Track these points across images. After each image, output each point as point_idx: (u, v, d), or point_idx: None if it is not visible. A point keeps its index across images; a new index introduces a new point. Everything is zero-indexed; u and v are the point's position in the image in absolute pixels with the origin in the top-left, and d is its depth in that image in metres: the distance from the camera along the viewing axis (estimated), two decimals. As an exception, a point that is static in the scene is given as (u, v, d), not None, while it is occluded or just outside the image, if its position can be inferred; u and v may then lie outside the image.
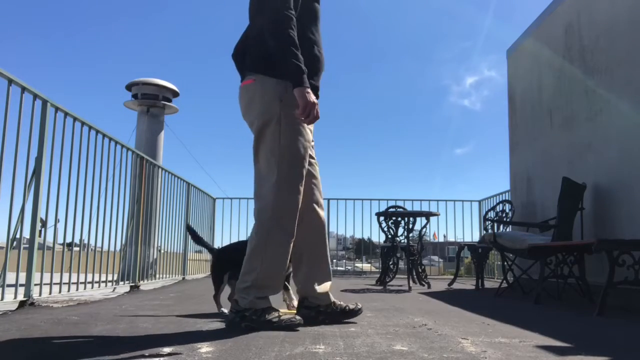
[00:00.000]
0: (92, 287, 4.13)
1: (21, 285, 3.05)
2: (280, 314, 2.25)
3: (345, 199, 8.57)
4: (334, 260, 8.97)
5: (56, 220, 3.53)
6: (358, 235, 9.63)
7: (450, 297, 4.46)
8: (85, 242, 4.24)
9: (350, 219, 10.18)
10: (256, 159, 2.31)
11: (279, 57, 2.19)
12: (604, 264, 3.12)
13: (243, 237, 8.56)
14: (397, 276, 5.99)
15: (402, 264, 6.28)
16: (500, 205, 5.82)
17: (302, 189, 2.30)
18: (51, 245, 3.67)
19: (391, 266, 5.87)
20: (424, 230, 5.90)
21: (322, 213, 2.49)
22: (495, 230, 4.75)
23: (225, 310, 2.69)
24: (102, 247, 4.26)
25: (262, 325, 2.17)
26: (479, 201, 8.55)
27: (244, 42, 2.44)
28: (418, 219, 5.70)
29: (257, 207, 2.27)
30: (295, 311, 2.63)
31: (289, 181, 2.26)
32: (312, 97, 2.18)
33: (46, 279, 3.38)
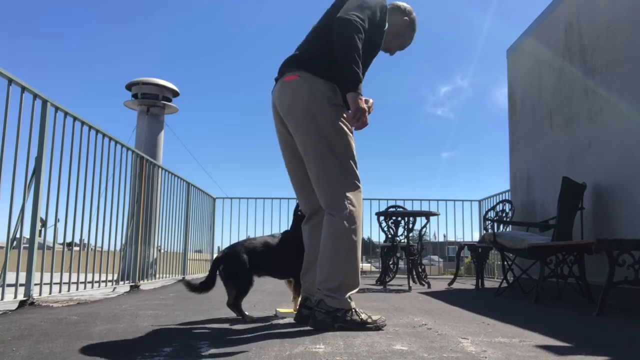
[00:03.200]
0: (92, 287, 4.13)
1: (21, 285, 3.05)
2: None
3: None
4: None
5: (56, 220, 3.53)
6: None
7: (450, 296, 4.46)
8: (85, 242, 4.24)
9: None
10: (311, 154, 2.28)
11: (341, 58, 2.18)
12: (604, 263, 3.12)
13: (243, 237, 8.56)
14: (397, 276, 5.99)
15: (402, 264, 6.28)
16: (500, 205, 5.82)
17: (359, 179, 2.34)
18: (51, 245, 3.67)
19: (391, 266, 5.87)
20: (424, 230, 5.90)
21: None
22: (495, 230, 4.75)
23: (254, 315, 2.61)
24: (102, 247, 4.26)
25: (355, 326, 2.16)
26: (479, 201, 8.55)
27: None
28: (418, 218, 5.70)
29: (334, 210, 2.24)
30: (294, 310, 2.64)
31: (352, 174, 2.29)
32: (364, 104, 2.18)
33: (46, 279, 3.38)
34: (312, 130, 2.26)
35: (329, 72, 2.27)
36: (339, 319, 2.17)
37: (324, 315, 2.17)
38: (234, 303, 2.54)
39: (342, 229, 2.23)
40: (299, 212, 2.71)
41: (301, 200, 2.51)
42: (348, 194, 2.26)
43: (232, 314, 2.61)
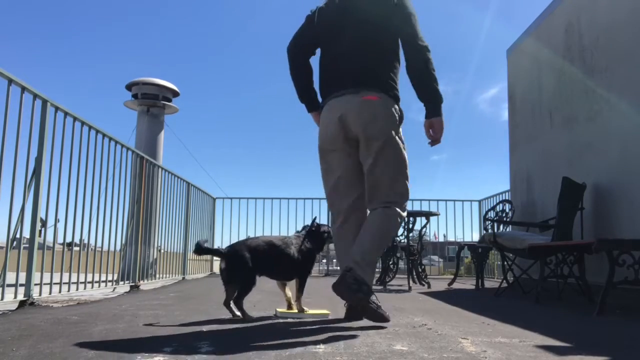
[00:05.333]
0: (92, 287, 4.13)
1: (21, 285, 3.05)
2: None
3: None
4: (334, 260, 8.97)
5: (56, 220, 3.53)
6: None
7: (450, 296, 4.46)
8: (85, 242, 4.24)
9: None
10: (379, 162, 2.52)
11: (425, 85, 2.51)
12: (604, 263, 3.12)
13: (243, 237, 8.54)
14: (397, 276, 5.99)
15: (402, 264, 6.28)
16: (500, 205, 5.82)
17: None
18: (51, 245, 3.67)
19: (391, 266, 5.87)
20: (424, 230, 5.90)
21: None
22: (495, 230, 4.75)
23: (254, 315, 2.61)
24: (102, 247, 4.26)
25: (371, 309, 2.33)
26: (479, 201, 8.55)
27: (352, 56, 2.61)
28: (418, 218, 5.70)
29: (396, 200, 2.54)
30: (292, 310, 2.64)
31: (408, 183, 2.63)
32: None
33: (46, 279, 3.38)
34: (389, 145, 2.51)
35: (398, 95, 2.58)
36: (364, 291, 2.29)
37: (352, 281, 2.29)
38: (236, 301, 2.51)
39: (394, 218, 2.51)
40: (313, 229, 2.86)
41: (338, 203, 2.66)
42: (406, 199, 2.61)
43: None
